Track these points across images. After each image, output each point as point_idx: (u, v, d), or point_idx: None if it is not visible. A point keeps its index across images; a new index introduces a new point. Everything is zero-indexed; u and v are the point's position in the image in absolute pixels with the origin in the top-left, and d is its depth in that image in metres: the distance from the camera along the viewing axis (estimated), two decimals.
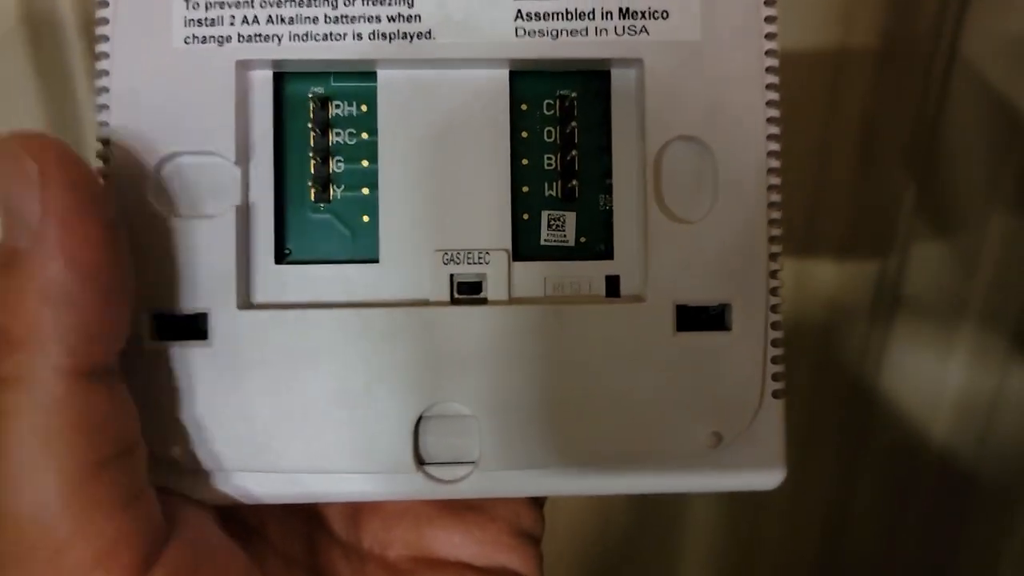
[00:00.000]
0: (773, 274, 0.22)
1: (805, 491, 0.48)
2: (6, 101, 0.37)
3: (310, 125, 0.22)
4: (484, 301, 0.22)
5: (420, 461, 0.21)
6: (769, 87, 0.21)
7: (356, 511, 0.23)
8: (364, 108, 0.22)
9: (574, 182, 0.22)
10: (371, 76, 0.22)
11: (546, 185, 0.22)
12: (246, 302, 0.21)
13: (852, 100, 0.41)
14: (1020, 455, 0.47)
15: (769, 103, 0.21)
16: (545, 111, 0.22)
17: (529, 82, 0.22)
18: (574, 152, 0.22)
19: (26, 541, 0.17)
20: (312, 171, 0.22)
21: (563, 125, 0.22)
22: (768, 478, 0.22)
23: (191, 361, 0.21)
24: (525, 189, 0.22)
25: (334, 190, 0.22)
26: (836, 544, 0.50)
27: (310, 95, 0.22)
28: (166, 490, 0.20)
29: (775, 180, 0.21)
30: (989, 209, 0.43)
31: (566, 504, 0.47)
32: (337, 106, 0.22)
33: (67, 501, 0.17)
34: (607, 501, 0.48)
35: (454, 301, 0.22)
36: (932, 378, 0.46)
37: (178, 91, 0.21)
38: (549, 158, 0.22)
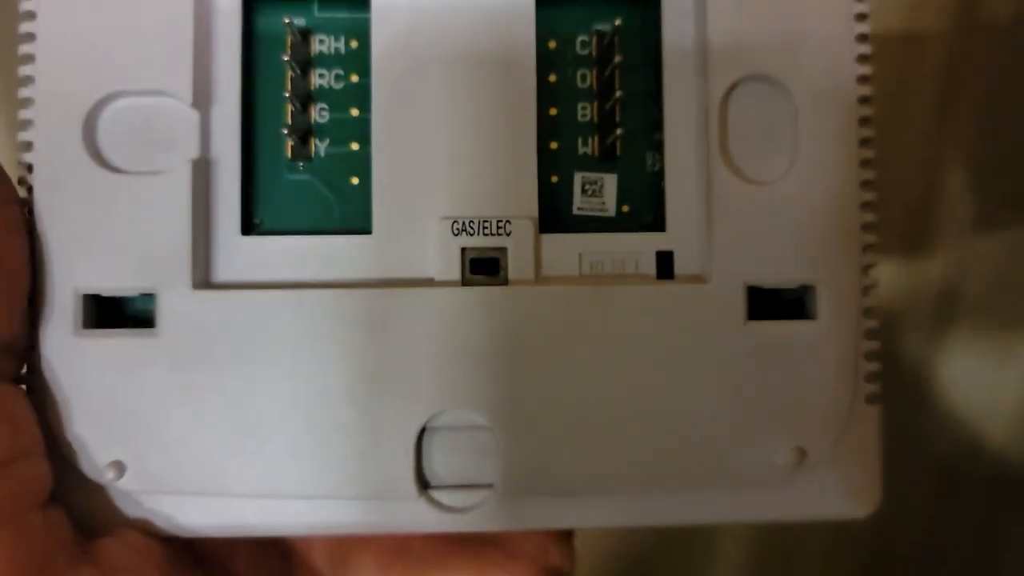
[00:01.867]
0: (867, 249, 0.17)
1: None
2: None
3: (287, 62, 0.18)
4: (504, 282, 0.17)
5: (424, 484, 0.17)
6: (859, 17, 0.17)
7: (344, 547, 0.19)
8: (354, 44, 0.18)
9: (615, 135, 0.18)
10: (363, 3, 0.18)
11: (580, 141, 0.18)
12: (204, 281, 0.17)
13: (922, 83, 0.38)
14: None
15: (859, 37, 0.17)
16: (579, 49, 0.18)
17: (560, 12, 0.18)
18: (616, 98, 0.18)
19: None
20: (289, 121, 0.18)
21: (601, 66, 0.18)
22: (859, 504, 0.17)
23: (133, 355, 0.16)
24: (554, 146, 0.18)
25: (316, 145, 0.18)
26: (884, 555, 0.46)
27: (287, 25, 0.18)
28: (92, 513, 0.16)
29: (868, 132, 0.17)
30: None
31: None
32: (321, 41, 0.18)
33: None
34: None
35: (466, 282, 0.17)
36: (990, 384, 0.43)
37: (122, 17, 0.17)
38: (584, 107, 0.18)
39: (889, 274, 0.41)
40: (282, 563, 0.19)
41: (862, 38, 0.17)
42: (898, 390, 0.43)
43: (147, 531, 0.16)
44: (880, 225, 0.17)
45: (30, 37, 0.17)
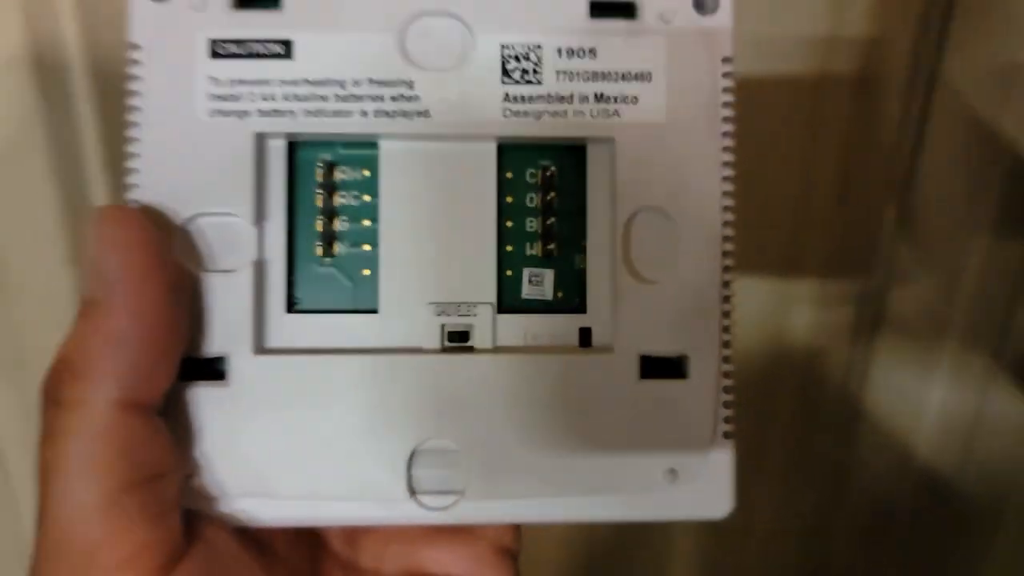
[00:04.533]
0: (726, 329, 0.24)
1: (788, 510, 0.50)
2: (9, 138, 0.39)
3: (318, 189, 0.25)
4: (471, 349, 0.24)
5: (412, 491, 0.24)
6: (726, 164, 0.24)
7: (354, 532, 0.26)
8: (367, 173, 0.25)
9: (553, 243, 0.25)
10: (374, 145, 0.25)
11: (528, 245, 0.25)
12: (260, 347, 0.24)
13: (834, 124, 0.42)
14: (1001, 473, 0.49)
15: (725, 179, 0.24)
16: (528, 179, 0.25)
17: (515, 153, 0.25)
18: (553, 217, 0.25)
19: (65, 541, 0.20)
20: (319, 229, 0.25)
21: (544, 192, 0.25)
22: (717, 509, 0.25)
23: (211, 399, 0.23)
24: (509, 248, 0.25)
25: (339, 246, 0.25)
26: (818, 564, 0.52)
27: (319, 161, 0.25)
28: (191, 511, 0.23)
29: (729, 246, 0.24)
30: (969, 232, 0.45)
31: (551, 533, 0.48)
32: (343, 171, 0.25)
33: (102, 512, 0.20)
34: (590, 532, 0.50)
35: (444, 349, 0.24)
36: (914, 398, 0.47)
37: (202, 158, 0.23)
38: (531, 221, 0.25)
39: (815, 293, 0.45)
40: (309, 543, 0.26)
41: (727, 179, 0.24)
42: (826, 410, 0.47)
43: (220, 522, 0.24)
44: (735, 312, 0.24)
45: (134, 171, 0.24)
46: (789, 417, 0.48)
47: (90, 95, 0.39)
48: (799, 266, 0.45)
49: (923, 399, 0.47)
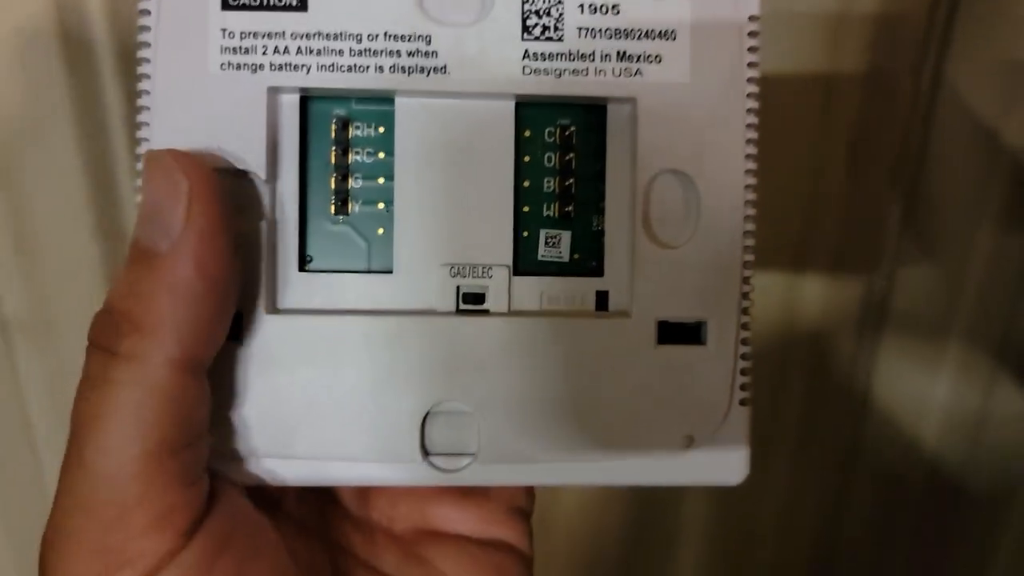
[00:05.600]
0: (745, 295, 0.24)
1: (795, 501, 0.50)
2: (38, 114, 0.38)
3: (332, 145, 0.24)
4: (486, 312, 0.24)
5: (425, 452, 0.24)
6: (750, 126, 0.24)
7: (365, 489, 0.26)
8: (382, 130, 0.24)
9: (571, 204, 0.25)
10: (389, 101, 0.24)
11: (545, 206, 0.25)
12: (273, 307, 0.24)
13: (841, 121, 0.43)
14: (1007, 468, 0.49)
15: (749, 141, 0.24)
16: (547, 138, 0.25)
17: (533, 112, 0.24)
18: (571, 178, 0.25)
19: (100, 495, 0.19)
20: (333, 187, 0.24)
21: (563, 152, 0.25)
22: (733, 475, 0.24)
23: (227, 359, 0.23)
24: (526, 209, 0.25)
25: (352, 205, 0.24)
26: (826, 554, 0.52)
27: (333, 117, 0.24)
28: (208, 470, 0.23)
29: (750, 211, 0.24)
30: (974, 227, 0.45)
31: (562, 508, 0.49)
32: (357, 127, 0.24)
33: (143, 470, 0.20)
34: (602, 508, 0.50)
35: (459, 311, 0.24)
36: (920, 392, 0.48)
37: (214, 113, 0.23)
38: (549, 181, 0.25)
39: (822, 286, 0.45)
40: (320, 498, 0.26)
41: (750, 141, 0.24)
42: (832, 399, 0.47)
43: (233, 481, 0.24)
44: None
45: (144, 125, 0.23)
46: (794, 411, 0.48)
47: (116, 67, 0.38)
48: (805, 260, 0.45)
49: (929, 393, 0.48)
